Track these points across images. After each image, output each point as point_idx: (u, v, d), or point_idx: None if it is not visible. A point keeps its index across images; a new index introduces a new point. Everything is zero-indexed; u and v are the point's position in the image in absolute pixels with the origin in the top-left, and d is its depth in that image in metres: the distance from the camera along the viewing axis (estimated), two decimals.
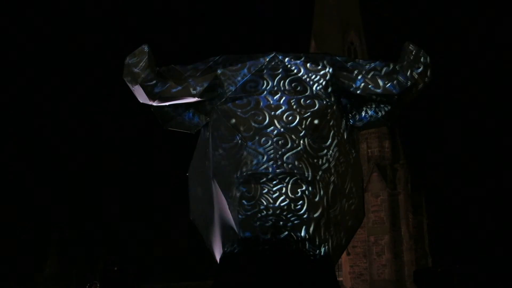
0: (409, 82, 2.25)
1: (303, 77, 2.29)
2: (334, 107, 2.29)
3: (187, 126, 2.54)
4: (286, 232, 2.04)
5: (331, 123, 2.25)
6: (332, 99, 2.29)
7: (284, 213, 2.04)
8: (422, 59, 2.28)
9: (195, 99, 2.38)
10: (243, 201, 2.07)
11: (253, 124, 2.18)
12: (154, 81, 2.36)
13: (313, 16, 33.81)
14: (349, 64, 2.34)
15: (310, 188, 2.08)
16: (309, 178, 2.10)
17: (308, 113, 2.19)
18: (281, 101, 2.21)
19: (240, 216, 2.07)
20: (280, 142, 2.12)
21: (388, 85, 2.26)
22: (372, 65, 2.33)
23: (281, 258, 2.03)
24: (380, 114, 2.40)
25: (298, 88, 2.26)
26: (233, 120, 2.22)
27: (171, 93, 2.37)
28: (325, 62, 2.34)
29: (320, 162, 2.18)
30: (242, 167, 2.13)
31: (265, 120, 2.18)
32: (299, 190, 2.06)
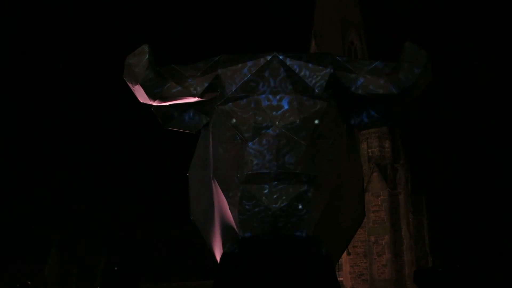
0: (410, 82, 2.25)
1: (304, 77, 2.29)
2: (335, 107, 2.28)
3: (188, 126, 2.54)
4: (287, 233, 2.04)
5: (331, 123, 2.25)
6: (333, 99, 2.29)
7: (285, 213, 2.03)
8: (422, 59, 2.27)
9: (196, 99, 2.38)
10: (244, 201, 2.07)
11: (253, 124, 2.18)
12: (155, 81, 2.36)
13: (313, 16, 33.84)
14: (349, 64, 2.34)
15: (310, 189, 2.08)
16: (310, 178, 2.10)
17: (309, 113, 2.19)
18: (282, 101, 2.21)
19: (240, 216, 2.07)
20: (280, 142, 2.12)
21: (388, 85, 2.25)
22: (373, 65, 2.33)
23: (282, 258, 2.03)
24: (380, 114, 2.40)
25: (299, 88, 2.25)
26: (234, 120, 2.22)
27: (171, 93, 2.37)
28: (325, 62, 2.33)
29: (320, 162, 2.18)
30: (242, 167, 2.12)
31: (266, 120, 2.18)
32: (299, 190, 2.06)
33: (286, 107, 2.20)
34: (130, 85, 2.41)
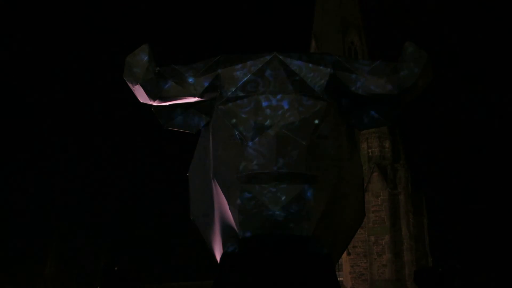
0: (410, 82, 2.25)
1: (304, 77, 2.29)
2: (335, 107, 2.28)
3: (188, 126, 2.53)
4: (287, 232, 2.04)
5: (331, 123, 2.25)
6: (333, 99, 2.29)
7: (285, 213, 2.03)
8: (422, 59, 2.27)
9: (196, 99, 2.38)
10: (244, 201, 2.07)
11: (253, 124, 2.17)
12: (155, 81, 2.36)
13: (313, 16, 33.87)
14: (349, 64, 2.34)
15: (310, 189, 2.08)
16: (310, 178, 2.09)
17: (309, 113, 2.19)
18: (282, 101, 2.21)
19: (240, 216, 2.07)
20: (280, 142, 2.12)
21: (388, 85, 2.25)
22: (373, 65, 2.33)
23: (282, 258, 2.03)
24: (380, 114, 2.40)
25: (299, 88, 2.25)
26: (234, 120, 2.22)
27: (171, 93, 2.37)
28: (326, 62, 2.33)
29: (320, 162, 2.17)
30: (242, 167, 2.12)
31: (266, 120, 2.17)
32: (299, 190, 2.06)
33: (286, 107, 2.20)
34: (130, 85, 2.41)
